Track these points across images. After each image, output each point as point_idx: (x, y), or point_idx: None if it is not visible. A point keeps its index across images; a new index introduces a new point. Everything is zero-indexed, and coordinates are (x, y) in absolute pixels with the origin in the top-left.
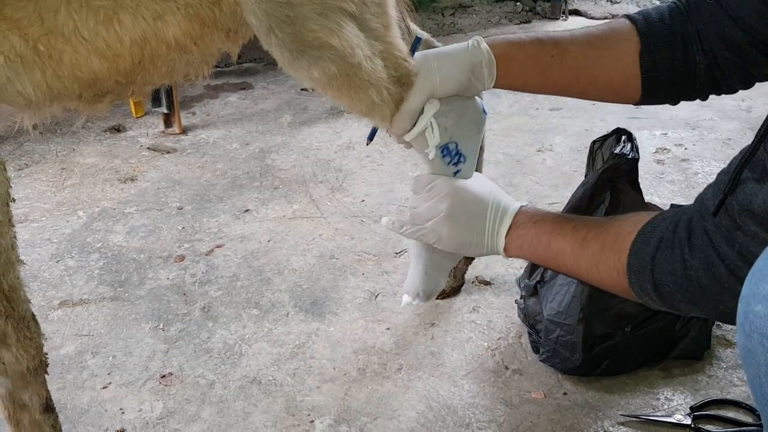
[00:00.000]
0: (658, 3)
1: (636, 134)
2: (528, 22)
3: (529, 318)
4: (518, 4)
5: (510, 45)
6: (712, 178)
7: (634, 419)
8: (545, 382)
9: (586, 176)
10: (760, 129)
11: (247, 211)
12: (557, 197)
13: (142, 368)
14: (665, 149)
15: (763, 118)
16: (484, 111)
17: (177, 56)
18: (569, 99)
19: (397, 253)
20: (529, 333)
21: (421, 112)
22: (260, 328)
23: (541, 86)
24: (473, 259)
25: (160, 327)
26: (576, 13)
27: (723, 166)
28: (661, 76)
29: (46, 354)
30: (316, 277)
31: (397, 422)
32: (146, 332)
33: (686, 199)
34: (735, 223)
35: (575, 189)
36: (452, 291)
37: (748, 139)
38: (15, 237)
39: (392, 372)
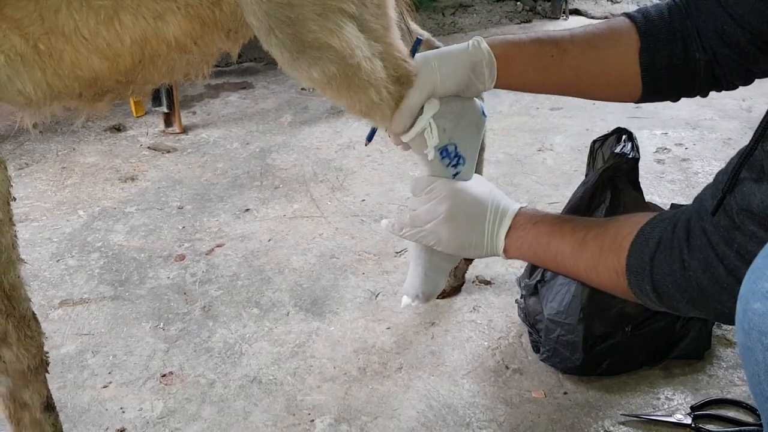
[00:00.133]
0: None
1: (636, 134)
2: (528, 21)
3: (530, 317)
4: (518, 3)
5: (510, 45)
6: (712, 178)
7: (635, 419)
8: (546, 382)
9: (586, 176)
10: (757, 129)
11: (247, 210)
12: (558, 197)
13: (142, 367)
14: (666, 149)
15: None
16: (484, 113)
17: (177, 56)
18: (570, 99)
19: (397, 253)
20: (530, 332)
21: (421, 112)
22: (261, 328)
23: (541, 86)
24: (473, 258)
25: (161, 326)
26: (576, 12)
27: (723, 165)
28: (661, 73)
29: (47, 353)
30: (316, 277)
31: (397, 421)
32: (147, 331)
33: (687, 198)
34: (733, 223)
35: (576, 188)
36: (453, 290)
37: (748, 138)
38: (16, 236)
39: (393, 371)
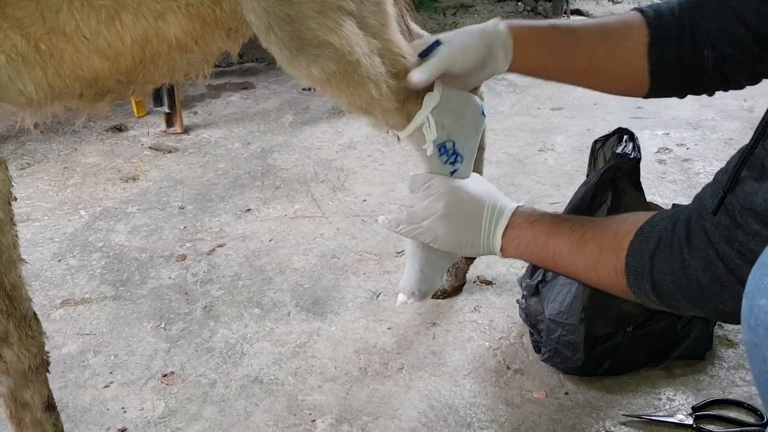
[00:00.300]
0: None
1: (638, 134)
2: None
3: (531, 318)
4: (520, 3)
5: (527, 29)
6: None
7: (636, 419)
8: (547, 382)
9: (587, 176)
10: (757, 128)
11: (248, 210)
12: (559, 197)
13: (143, 367)
14: (667, 149)
15: None
16: (483, 113)
17: (178, 55)
18: (571, 99)
19: (398, 253)
20: (531, 333)
21: (420, 107)
22: (262, 328)
23: (555, 71)
24: (474, 258)
25: (162, 326)
26: (578, 12)
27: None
28: (669, 68)
29: (48, 353)
30: (317, 277)
31: (398, 422)
32: (148, 331)
33: (688, 199)
34: (735, 222)
35: (577, 189)
36: (454, 290)
37: (749, 139)
38: (17, 236)
39: (394, 371)
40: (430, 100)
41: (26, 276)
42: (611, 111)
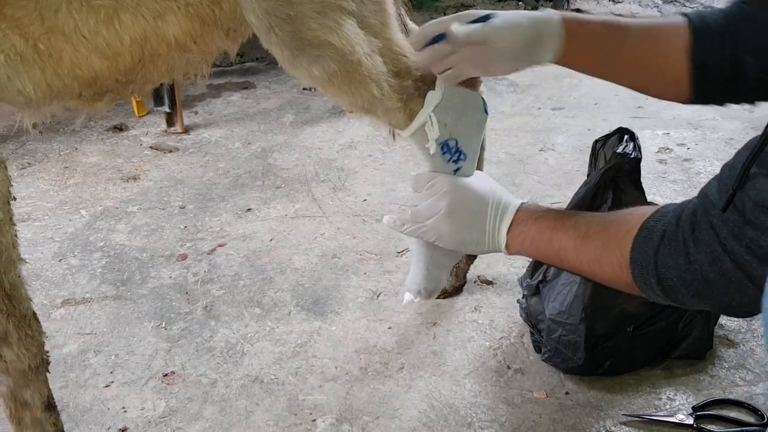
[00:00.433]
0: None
1: (638, 134)
2: None
3: (531, 317)
4: (520, 3)
5: (577, 23)
6: None
7: (637, 419)
8: (547, 382)
9: (588, 176)
10: (767, 125)
11: (249, 210)
12: (559, 197)
13: (144, 367)
14: (668, 149)
15: (767, 117)
16: (486, 111)
17: (177, 55)
18: (571, 99)
19: (399, 253)
20: (531, 332)
21: (422, 105)
22: (262, 327)
23: (599, 68)
24: (475, 258)
25: (163, 326)
26: (578, 12)
27: None
28: (709, 72)
29: (48, 352)
30: (318, 276)
31: (399, 421)
32: (148, 331)
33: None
34: (744, 218)
35: (577, 188)
36: (454, 290)
37: (749, 138)
38: (16, 235)
39: (394, 371)
40: (433, 99)
41: (27, 275)
42: (612, 111)
